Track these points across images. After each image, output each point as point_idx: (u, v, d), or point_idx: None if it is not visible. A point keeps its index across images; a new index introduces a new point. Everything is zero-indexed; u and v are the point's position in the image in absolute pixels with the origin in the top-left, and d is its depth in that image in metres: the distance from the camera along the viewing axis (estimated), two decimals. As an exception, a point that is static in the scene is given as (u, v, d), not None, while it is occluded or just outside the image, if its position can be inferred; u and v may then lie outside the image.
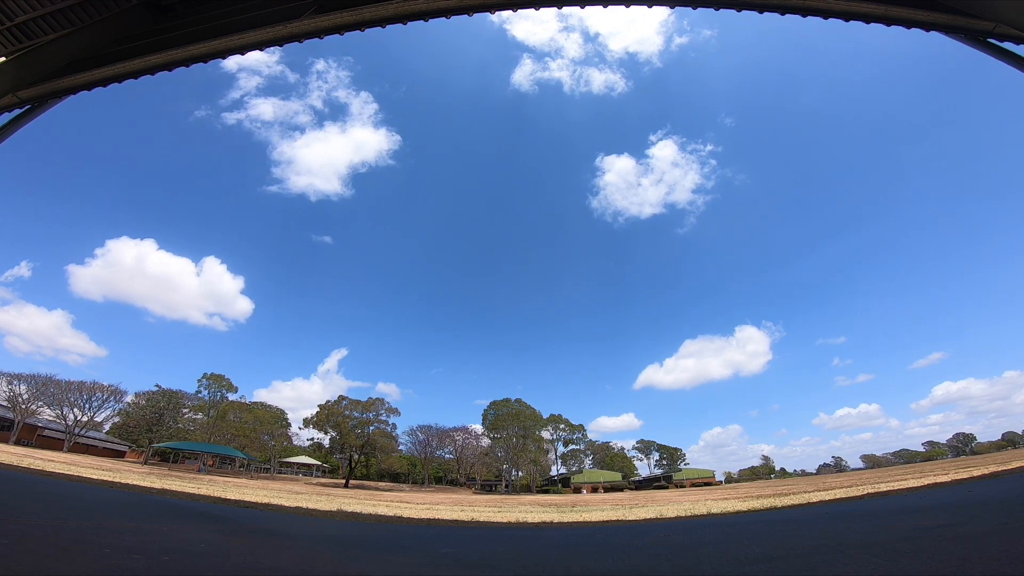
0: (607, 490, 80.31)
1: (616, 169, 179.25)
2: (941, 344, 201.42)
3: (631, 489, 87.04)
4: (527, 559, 5.65)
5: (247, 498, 14.50)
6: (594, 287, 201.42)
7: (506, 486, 78.62)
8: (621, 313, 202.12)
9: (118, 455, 70.81)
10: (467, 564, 5.19)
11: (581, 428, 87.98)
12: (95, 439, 74.76)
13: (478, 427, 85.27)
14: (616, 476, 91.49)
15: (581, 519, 11.13)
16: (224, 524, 7.86)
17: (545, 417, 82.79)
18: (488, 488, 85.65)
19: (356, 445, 63.59)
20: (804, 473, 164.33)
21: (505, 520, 11.35)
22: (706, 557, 5.17)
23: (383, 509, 14.48)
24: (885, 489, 14.56)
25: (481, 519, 11.55)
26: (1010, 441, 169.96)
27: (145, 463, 62.78)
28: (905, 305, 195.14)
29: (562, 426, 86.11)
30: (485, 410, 77.46)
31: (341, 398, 68.04)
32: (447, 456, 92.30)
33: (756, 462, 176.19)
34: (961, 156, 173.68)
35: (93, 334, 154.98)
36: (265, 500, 14.41)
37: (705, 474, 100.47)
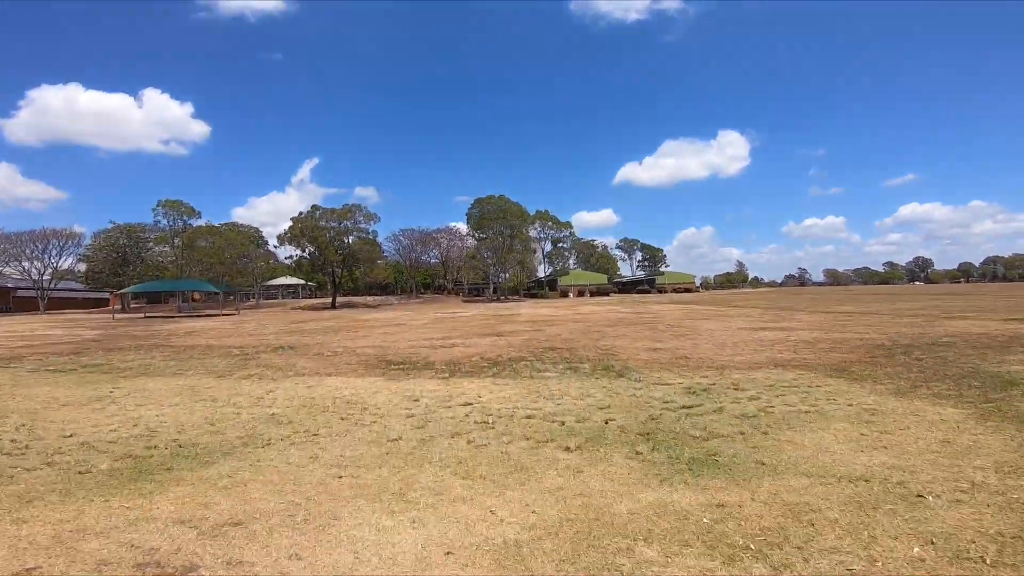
0: (593, 294, 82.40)
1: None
2: (916, 166, 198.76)
3: (615, 292, 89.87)
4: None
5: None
6: (574, 85, 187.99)
7: (494, 290, 79.65)
8: (601, 111, 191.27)
9: (102, 304, 67.67)
10: None
11: (568, 225, 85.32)
12: (74, 291, 70.64)
13: (462, 226, 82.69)
14: (602, 278, 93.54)
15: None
16: None
17: (531, 214, 79.05)
18: (475, 292, 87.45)
19: (336, 260, 60.84)
20: (774, 284, 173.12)
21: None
22: None
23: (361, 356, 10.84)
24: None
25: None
26: (964, 272, 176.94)
27: (125, 309, 60.15)
28: (888, 123, 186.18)
29: (549, 223, 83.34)
30: (469, 209, 72.85)
31: (314, 208, 62.72)
32: (433, 261, 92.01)
33: (725, 265, 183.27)
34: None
35: (48, 179, 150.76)
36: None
37: (686, 279, 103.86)
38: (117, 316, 43.84)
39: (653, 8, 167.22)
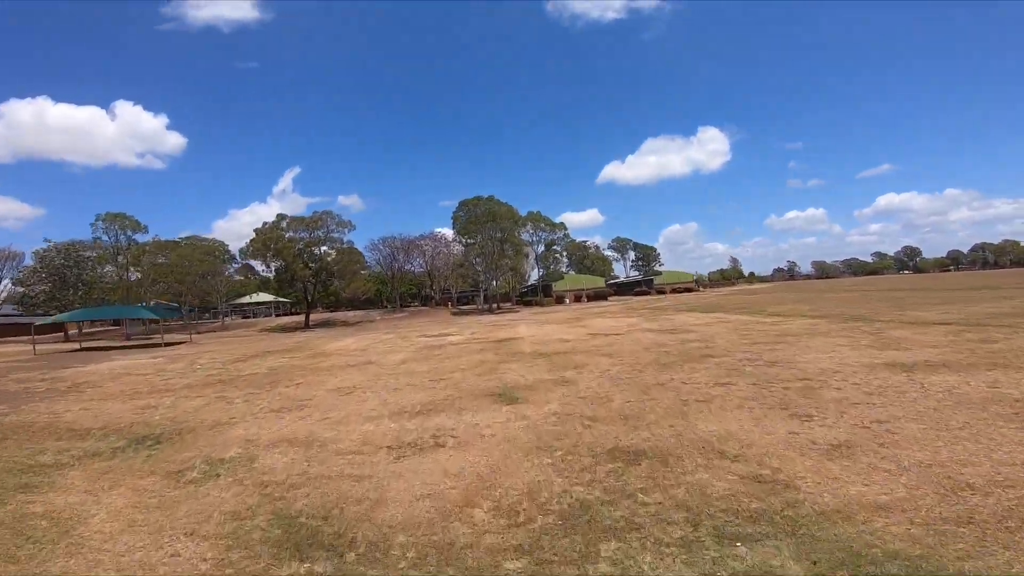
0: (590, 298, 76.92)
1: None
2: (892, 156, 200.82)
3: (612, 295, 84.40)
4: None
5: None
6: (555, 86, 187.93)
7: (484, 299, 73.96)
8: (582, 111, 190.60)
9: (57, 330, 60.53)
10: None
11: (562, 227, 79.52)
12: (23, 316, 63.41)
13: (448, 231, 76.72)
14: (598, 281, 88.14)
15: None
16: None
17: (522, 215, 72.74)
18: (464, 301, 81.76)
19: (305, 276, 54.47)
20: (765, 279, 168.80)
21: None
22: None
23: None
24: None
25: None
26: (953, 260, 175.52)
27: (68, 338, 52.82)
28: (863, 114, 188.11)
29: (541, 225, 77.62)
30: (455, 212, 66.78)
31: (280, 217, 56.58)
32: (418, 271, 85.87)
33: (712, 261, 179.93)
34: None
35: (23, 196, 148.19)
36: None
37: (685, 278, 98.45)
38: (39, 350, 37.08)
39: (630, 7, 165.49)
